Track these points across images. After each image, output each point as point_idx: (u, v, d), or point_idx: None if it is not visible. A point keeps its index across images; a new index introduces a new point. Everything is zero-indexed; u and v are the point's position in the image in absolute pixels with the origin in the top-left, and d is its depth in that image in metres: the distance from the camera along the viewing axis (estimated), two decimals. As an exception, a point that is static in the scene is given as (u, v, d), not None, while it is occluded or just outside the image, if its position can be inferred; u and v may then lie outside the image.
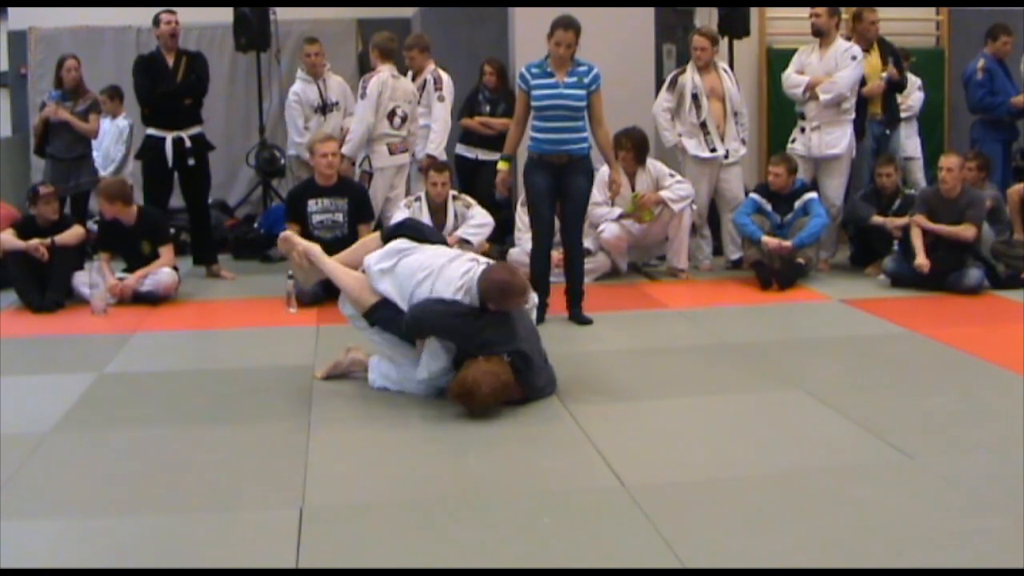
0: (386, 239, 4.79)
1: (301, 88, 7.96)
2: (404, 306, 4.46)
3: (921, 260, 6.56)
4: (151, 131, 7.32)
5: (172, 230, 7.26)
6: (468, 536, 3.14)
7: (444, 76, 7.49)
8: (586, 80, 5.82)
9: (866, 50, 7.46)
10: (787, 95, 7.52)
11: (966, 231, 6.54)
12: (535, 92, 5.85)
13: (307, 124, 7.92)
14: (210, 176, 7.61)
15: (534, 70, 5.89)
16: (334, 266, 4.82)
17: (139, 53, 8.11)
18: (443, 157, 7.34)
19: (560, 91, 5.81)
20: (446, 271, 4.46)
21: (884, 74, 7.48)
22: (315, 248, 4.96)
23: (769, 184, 7.09)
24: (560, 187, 5.93)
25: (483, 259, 4.68)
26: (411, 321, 4.41)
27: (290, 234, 5.22)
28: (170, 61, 7.25)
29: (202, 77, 7.38)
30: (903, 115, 8.05)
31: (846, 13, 7.68)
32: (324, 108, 7.96)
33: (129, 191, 6.81)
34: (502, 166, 6.08)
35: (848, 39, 7.45)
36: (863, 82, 7.37)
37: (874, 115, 7.54)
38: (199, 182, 7.50)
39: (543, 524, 3.20)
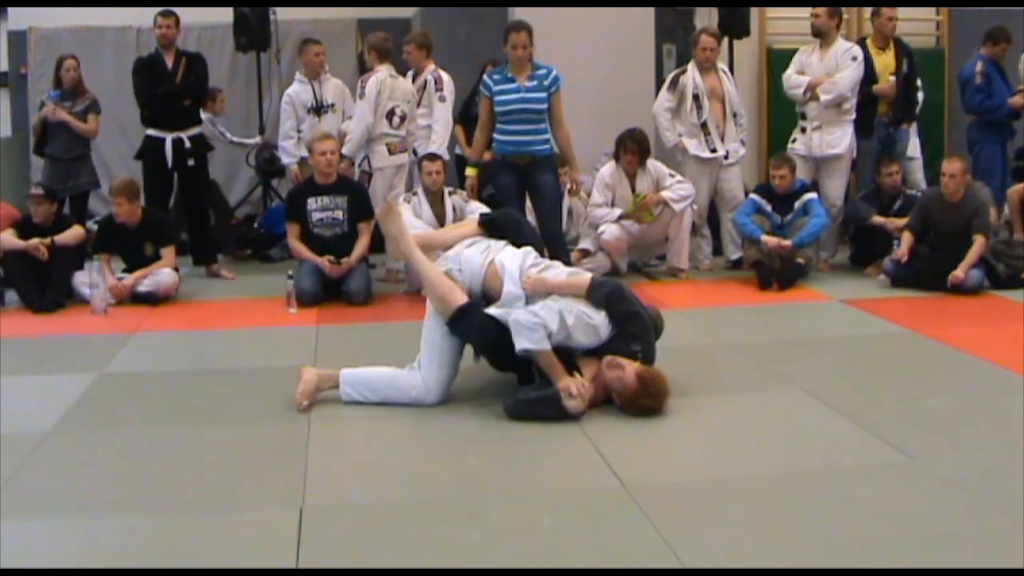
0: (487, 225, 4.65)
1: (295, 90, 7.96)
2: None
3: (902, 251, 6.62)
4: (151, 132, 7.34)
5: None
6: (468, 536, 3.14)
7: (444, 76, 7.48)
8: (546, 83, 6.04)
9: (882, 47, 7.46)
10: (787, 95, 7.51)
11: (980, 247, 6.52)
12: (498, 97, 6.07)
13: (301, 126, 7.91)
14: (209, 176, 7.60)
15: (496, 76, 6.11)
16: (426, 264, 4.47)
17: (139, 53, 8.13)
18: (446, 157, 7.34)
19: (522, 95, 6.02)
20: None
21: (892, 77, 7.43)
22: (409, 237, 4.57)
23: (775, 186, 7.07)
24: (528, 186, 6.11)
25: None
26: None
27: (397, 209, 4.75)
28: (169, 62, 7.26)
29: (201, 79, 7.40)
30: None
31: (846, 13, 7.68)
32: (319, 109, 7.96)
33: (137, 189, 6.82)
34: (470, 172, 6.27)
35: (864, 38, 7.41)
36: (874, 81, 7.36)
37: (883, 115, 7.50)
38: (198, 183, 7.51)
39: (543, 524, 3.20)
